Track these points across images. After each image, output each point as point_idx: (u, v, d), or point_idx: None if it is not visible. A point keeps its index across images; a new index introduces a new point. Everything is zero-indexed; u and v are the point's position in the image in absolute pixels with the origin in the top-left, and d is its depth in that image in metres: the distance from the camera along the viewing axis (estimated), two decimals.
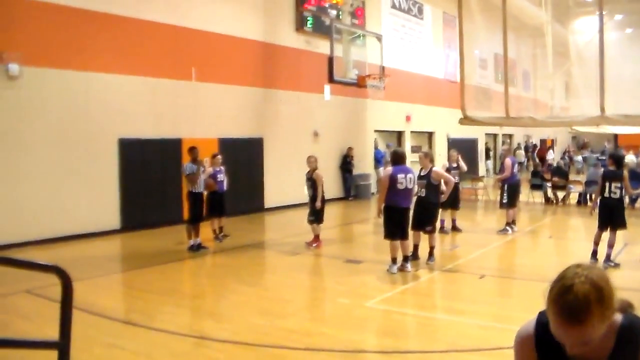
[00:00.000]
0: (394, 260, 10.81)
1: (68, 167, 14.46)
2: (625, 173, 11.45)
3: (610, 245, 11.15)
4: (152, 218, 16.21)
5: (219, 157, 14.57)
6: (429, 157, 11.88)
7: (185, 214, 13.75)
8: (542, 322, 2.24)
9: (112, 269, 11.96)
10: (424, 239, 11.79)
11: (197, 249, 12.93)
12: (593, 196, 12.01)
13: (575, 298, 1.98)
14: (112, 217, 15.54)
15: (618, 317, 2.16)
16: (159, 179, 16.48)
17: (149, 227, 15.92)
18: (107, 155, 15.40)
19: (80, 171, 14.74)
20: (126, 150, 15.76)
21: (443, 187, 11.95)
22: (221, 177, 14.40)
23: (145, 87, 16.25)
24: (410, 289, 10.06)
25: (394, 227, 10.72)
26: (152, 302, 9.11)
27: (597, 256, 11.17)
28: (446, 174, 11.93)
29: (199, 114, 17.72)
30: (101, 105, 15.18)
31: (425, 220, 11.47)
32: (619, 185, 11.20)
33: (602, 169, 12.90)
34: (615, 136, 46.08)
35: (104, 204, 15.33)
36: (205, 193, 13.62)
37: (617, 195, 11.21)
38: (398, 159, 11.02)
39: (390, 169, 10.89)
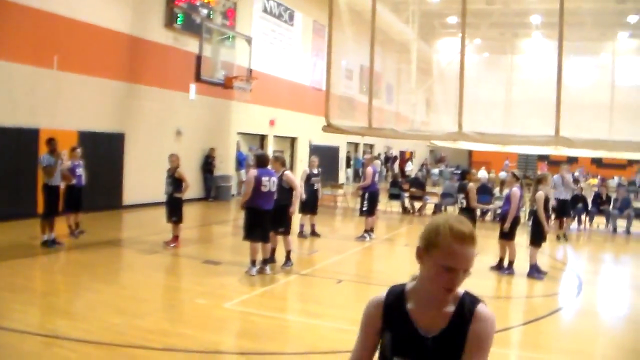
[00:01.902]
0: (253, 263, 10.90)
1: None
2: (471, 185, 12.14)
3: None
4: (4, 210, 15.32)
5: (79, 150, 14.15)
6: (279, 161, 11.98)
7: (40, 208, 13.20)
8: (394, 291, 2.64)
9: None
10: (280, 242, 11.91)
11: (51, 244, 12.45)
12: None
13: (468, 227, 2.47)
14: None
15: (461, 289, 2.55)
16: (13, 170, 15.63)
17: (0, 219, 15.10)
18: None
19: None
20: None
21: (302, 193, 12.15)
22: (79, 171, 13.99)
23: (2, 71, 15.43)
24: (269, 292, 10.18)
25: (255, 229, 10.80)
26: (1, 299, 8.69)
27: None
28: (294, 180, 12.02)
29: (59, 105, 17.03)
30: None
31: (277, 222, 11.56)
32: (464, 197, 11.97)
33: (458, 183, 13.60)
34: (470, 152, 48.49)
35: None
36: (62, 187, 13.16)
37: (464, 206, 11.98)
38: (263, 161, 11.14)
39: (254, 170, 10.96)
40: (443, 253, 2.44)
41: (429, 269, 2.49)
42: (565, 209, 17.92)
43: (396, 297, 2.61)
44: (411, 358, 2.50)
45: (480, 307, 2.51)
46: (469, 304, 2.52)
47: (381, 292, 2.66)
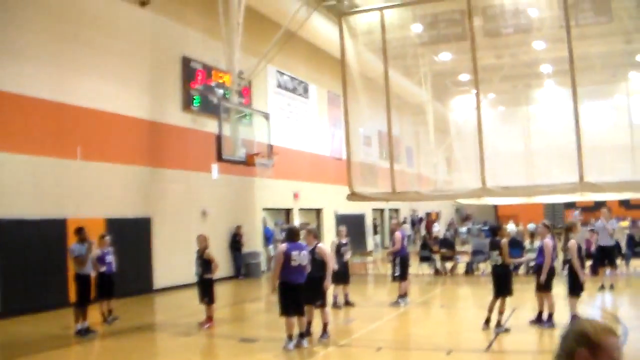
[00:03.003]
0: (289, 337, 10.72)
1: None
2: (504, 241, 11.96)
3: (500, 312, 11.61)
4: (36, 302, 15.33)
5: (107, 237, 14.22)
6: (312, 234, 11.98)
7: (72, 297, 13.20)
8: None
9: None
10: (316, 315, 11.76)
11: (85, 333, 12.36)
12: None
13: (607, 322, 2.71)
14: None
15: None
16: (43, 261, 15.70)
17: (32, 311, 15.00)
18: None
19: None
20: (5, 231, 15.00)
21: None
22: (109, 258, 14.01)
23: (27, 165, 15.67)
24: None
25: (289, 304, 10.68)
26: None
27: (490, 323, 11.62)
28: (328, 253, 11.92)
29: (84, 193, 17.22)
30: None
31: (313, 295, 11.44)
32: (498, 253, 11.79)
33: (488, 239, 13.42)
34: (496, 207, 48.17)
35: None
36: (92, 275, 13.18)
37: (499, 263, 11.80)
38: (292, 235, 11.10)
39: (284, 245, 10.91)
40: (609, 351, 2.61)
41: None
42: (611, 255, 17.65)
43: None
44: None
45: None
46: None
47: None
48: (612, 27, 20.51)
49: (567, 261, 12.02)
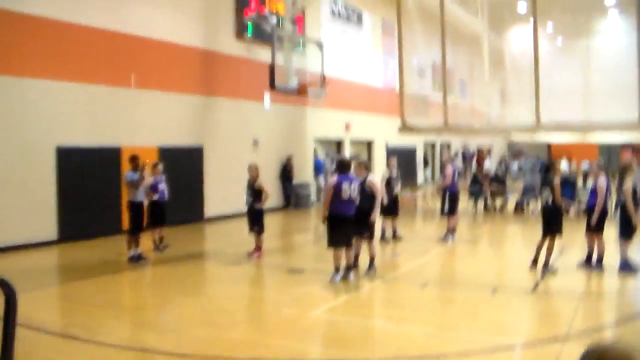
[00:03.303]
0: (337, 269, 10.81)
1: (2, 176, 14.03)
2: (556, 180, 11.69)
3: (549, 252, 11.48)
4: (90, 228, 15.84)
5: (160, 166, 14.40)
6: (363, 165, 11.92)
7: (125, 224, 13.52)
8: None
9: (50, 281, 11.66)
10: (364, 248, 11.83)
11: (137, 259, 12.71)
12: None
13: None
14: (49, 228, 15.11)
15: None
16: (98, 189, 16.12)
17: (87, 237, 15.52)
18: (44, 164, 15.00)
19: (16, 180, 14.33)
20: (64, 159, 15.37)
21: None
22: (162, 186, 14.23)
23: (83, 94, 15.91)
24: (354, 299, 10.11)
25: (338, 236, 10.73)
26: (92, 315, 8.90)
27: (537, 263, 11.55)
28: (378, 186, 11.85)
29: (138, 122, 17.45)
30: (37, 112, 14.81)
31: (361, 227, 11.42)
32: (550, 192, 11.55)
33: (540, 177, 13.15)
34: (549, 146, 47.34)
35: (40, 214, 14.91)
36: (145, 203, 13.44)
37: (550, 203, 11.55)
38: (343, 167, 11.06)
39: (335, 177, 10.91)
40: None
41: None
42: None
43: None
44: None
45: None
46: None
47: None
48: None
49: (620, 203, 11.77)
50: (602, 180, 11.90)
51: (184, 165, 18.80)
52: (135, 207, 12.97)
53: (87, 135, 16.02)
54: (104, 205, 16.26)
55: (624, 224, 11.53)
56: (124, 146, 16.60)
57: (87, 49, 16.00)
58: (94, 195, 16.03)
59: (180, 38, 18.96)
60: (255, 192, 13.26)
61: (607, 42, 29.73)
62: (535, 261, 11.67)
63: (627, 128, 17.07)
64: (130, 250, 12.79)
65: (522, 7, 31.26)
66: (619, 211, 11.83)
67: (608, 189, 12.07)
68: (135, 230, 12.82)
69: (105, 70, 16.48)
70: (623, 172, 11.92)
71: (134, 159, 12.99)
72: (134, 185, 12.81)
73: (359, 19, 30.17)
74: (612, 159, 43.59)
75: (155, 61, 18.01)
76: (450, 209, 15.73)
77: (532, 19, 18.16)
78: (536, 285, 10.72)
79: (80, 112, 15.87)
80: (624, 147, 43.07)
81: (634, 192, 11.66)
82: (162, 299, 10.22)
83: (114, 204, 16.23)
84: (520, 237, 17.83)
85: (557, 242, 11.78)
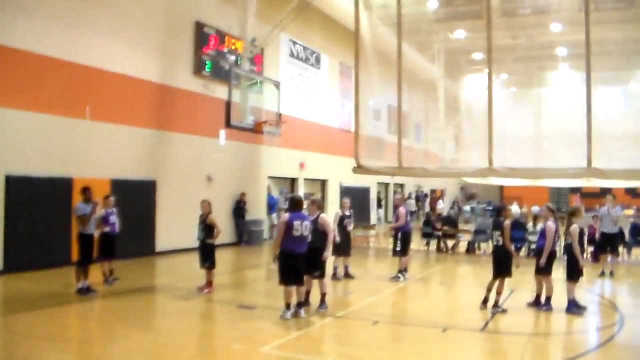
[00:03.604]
0: (287, 306, 10.78)
1: None
2: (507, 223, 11.92)
3: (498, 292, 11.67)
4: (38, 259, 15.53)
5: (112, 198, 14.31)
6: (316, 204, 12.01)
7: (75, 256, 13.32)
8: None
9: None
10: (315, 285, 11.82)
11: (85, 292, 12.51)
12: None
13: None
14: None
15: None
16: (48, 219, 15.85)
17: (35, 268, 15.21)
18: None
19: None
20: (13, 188, 15.12)
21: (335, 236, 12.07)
22: (113, 219, 14.12)
23: (36, 123, 15.73)
24: (305, 335, 10.05)
25: (289, 272, 10.71)
26: (36, 348, 8.70)
27: (488, 303, 11.72)
28: (330, 224, 11.92)
29: (91, 154, 17.29)
30: None
31: (312, 266, 11.43)
32: (500, 234, 11.79)
33: (492, 219, 13.37)
34: (501, 188, 48.17)
35: None
36: (96, 235, 13.27)
37: (499, 244, 11.80)
38: (295, 205, 11.09)
39: (286, 215, 10.93)
40: None
41: None
42: (613, 243, 17.61)
43: None
44: None
45: None
46: None
47: None
48: (631, 14, 20.29)
49: (568, 245, 12.04)
50: (550, 223, 12.19)
51: (137, 199, 18.62)
52: (85, 239, 12.79)
53: (39, 164, 15.79)
54: (53, 235, 15.97)
55: (571, 265, 11.80)
56: (76, 177, 16.40)
57: (43, 78, 15.88)
58: (43, 225, 15.75)
59: (138, 72, 18.95)
60: (207, 227, 13.22)
61: (557, 92, 30.51)
62: (485, 301, 11.85)
63: (576, 175, 17.45)
64: (78, 282, 12.59)
65: (478, 55, 32.02)
66: (566, 253, 12.08)
67: (557, 231, 12.37)
68: (85, 262, 12.63)
69: (60, 100, 16.35)
70: (571, 215, 12.21)
71: (85, 191, 12.86)
72: (85, 218, 12.65)
73: (317, 60, 30.52)
74: (561, 203, 44.56)
75: (111, 94, 17.94)
76: (402, 248, 15.87)
77: (486, 69, 18.57)
78: (486, 324, 10.83)
79: (32, 141, 15.67)
80: (573, 190, 43.99)
81: (581, 235, 11.93)
82: (110, 332, 10.04)
83: (63, 235, 15.95)
84: (472, 277, 18.03)
85: (507, 282, 11.96)
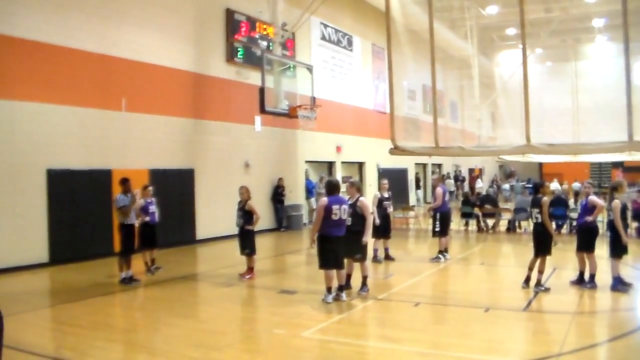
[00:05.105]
0: (329, 290, 10.80)
1: None
2: (545, 199, 11.72)
3: (540, 271, 11.50)
4: (82, 251, 15.86)
5: (150, 188, 14.43)
6: (355, 187, 11.94)
7: (117, 246, 13.51)
8: None
9: (40, 303, 11.58)
10: (356, 268, 11.81)
11: (128, 281, 12.70)
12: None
13: None
14: (40, 250, 15.10)
15: None
16: (89, 211, 16.14)
17: (78, 260, 15.54)
18: (34, 187, 15.01)
19: (6, 202, 14.33)
20: (55, 182, 15.40)
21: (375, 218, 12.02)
22: (153, 208, 14.24)
23: (74, 117, 15.96)
24: (346, 318, 10.05)
25: (329, 257, 10.72)
26: (83, 337, 8.85)
27: (530, 282, 11.57)
28: (368, 207, 11.81)
29: (129, 145, 17.49)
30: (27, 135, 14.84)
31: (353, 249, 11.45)
32: (539, 211, 11.60)
33: (531, 197, 13.17)
34: (541, 165, 47.53)
35: (31, 236, 14.89)
36: (136, 225, 13.43)
37: (539, 221, 11.61)
38: (333, 189, 11.07)
39: (325, 199, 10.90)
40: None
41: None
42: None
43: None
44: None
45: None
46: None
47: None
48: None
49: (611, 221, 11.80)
50: (595, 197, 12.01)
51: (175, 188, 18.81)
52: (126, 229, 12.97)
53: (78, 157, 16.03)
54: (95, 227, 16.25)
55: (614, 242, 11.55)
56: (115, 169, 16.61)
57: (78, 72, 16.07)
58: (84, 217, 16.02)
59: (171, 62, 19.06)
60: (246, 214, 13.27)
61: (594, 65, 30.00)
62: (527, 280, 11.69)
63: (617, 150, 17.11)
64: (121, 272, 12.78)
65: (511, 31, 31.56)
66: (609, 229, 11.85)
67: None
68: (127, 252, 12.81)
69: (96, 93, 16.54)
70: (613, 190, 11.95)
71: (124, 182, 13.02)
72: (125, 209, 12.81)
73: (349, 43, 30.36)
74: (603, 178, 43.82)
75: (146, 84, 18.08)
76: (441, 229, 15.78)
77: (521, 45, 18.28)
78: (529, 304, 10.71)
79: (71, 135, 15.89)
80: (615, 165, 43.22)
81: (624, 210, 11.68)
82: (154, 320, 10.17)
83: (105, 226, 16.21)
84: (513, 257, 17.84)
85: (549, 260, 11.81)
